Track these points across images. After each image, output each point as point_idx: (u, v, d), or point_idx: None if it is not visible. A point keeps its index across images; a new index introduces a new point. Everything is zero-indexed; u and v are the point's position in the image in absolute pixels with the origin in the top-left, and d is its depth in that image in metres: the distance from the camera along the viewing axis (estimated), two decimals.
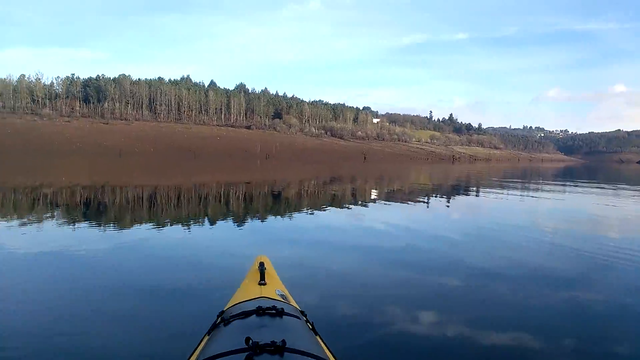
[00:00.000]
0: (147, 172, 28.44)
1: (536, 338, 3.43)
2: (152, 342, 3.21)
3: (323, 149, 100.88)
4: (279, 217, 10.01)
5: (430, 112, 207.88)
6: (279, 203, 12.88)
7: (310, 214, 10.33)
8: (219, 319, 1.81)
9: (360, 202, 13.29)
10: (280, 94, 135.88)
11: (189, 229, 8.12)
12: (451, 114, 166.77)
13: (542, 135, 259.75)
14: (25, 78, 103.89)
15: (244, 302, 1.93)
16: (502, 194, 17.56)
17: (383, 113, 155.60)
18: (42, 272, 4.92)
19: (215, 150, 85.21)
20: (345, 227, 8.82)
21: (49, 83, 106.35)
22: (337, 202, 13.21)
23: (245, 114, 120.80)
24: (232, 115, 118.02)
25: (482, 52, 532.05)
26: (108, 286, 4.42)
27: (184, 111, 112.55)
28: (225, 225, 8.71)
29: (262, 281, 2.23)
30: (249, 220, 9.38)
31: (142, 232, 7.55)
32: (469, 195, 17.94)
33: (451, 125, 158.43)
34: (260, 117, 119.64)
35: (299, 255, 5.98)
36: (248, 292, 2.12)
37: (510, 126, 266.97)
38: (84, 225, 8.11)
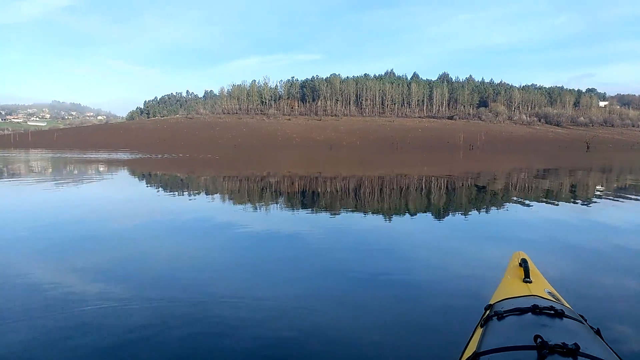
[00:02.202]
0: (353, 164, 30.28)
1: None
2: (412, 329, 3.35)
3: (535, 137, 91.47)
4: (482, 210, 9.54)
5: None
6: (483, 196, 12.26)
7: (528, 206, 9.55)
8: (490, 312, 1.88)
9: (593, 200, 11.69)
10: (487, 80, 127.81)
11: (389, 219, 8.38)
12: None
13: None
14: (256, 83, 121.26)
15: (514, 299, 1.97)
16: None
17: (613, 95, 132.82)
18: (266, 249, 5.75)
19: (417, 142, 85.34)
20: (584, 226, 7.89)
21: (274, 86, 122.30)
22: (557, 196, 11.88)
23: (448, 104, 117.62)
24: (435, 106, 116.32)
25: None
26: (330, 270, 4.83)
27: (387, 105, 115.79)
28: (427, 218, 8.72)
29: (527, 279, 2.24)
30: (450, 214, 9.18)
31: (350, 219, 8.12)
32: None
33: None
34: (464, 106, 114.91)
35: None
36: (514, 288, 2.16)
37: None
38: (300, 210, 9.18)
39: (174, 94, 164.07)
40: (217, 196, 11.53)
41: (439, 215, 8.91)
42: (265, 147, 72.93)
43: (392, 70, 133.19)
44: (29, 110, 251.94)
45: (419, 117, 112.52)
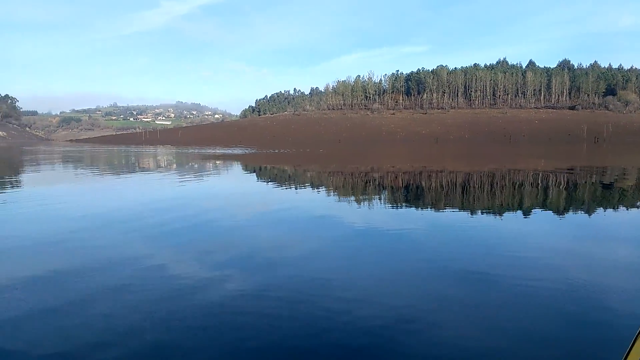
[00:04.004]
0: (461, 158, 29.05)
1: None
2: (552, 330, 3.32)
3: None
4: (610, 209, 8.58)
5: None
6: (611, 195, 11.01)
7: None
8: None
9: None
10: (615, 66, 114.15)
11: (500, 217, 7.90)
12: None
13: None
14: (360, 78, 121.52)
15: None
16: None
17: None
18: (367, 243, 5.75)
19: (533, 134, 79.31)
20: None
21: (377, 81, 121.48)
22: None
23: (569, 93, 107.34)
24: (553, 96, 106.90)
25: None
26: (435, 267, 4.75)
27: (499, 95, 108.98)
28: (546, 218, 8.07)
29: None
30: (572, 212, 8.40)
31: (456, 215, 7.81)
32: None
33: None
34: (588, 95, 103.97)
35: None
36: None
37: None
38: (404, 205, 9.04)
39: (283, 92, 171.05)
40: (321, 189, 11.80)
41: (559, 214, 8.20)
42: (369, 141, 72.95)
43: (504, 58, 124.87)
44: (156, 110, 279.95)
45: (535, 107, 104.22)
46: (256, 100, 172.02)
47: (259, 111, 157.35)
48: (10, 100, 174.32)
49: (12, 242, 5.60)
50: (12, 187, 12.32)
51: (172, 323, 3.18)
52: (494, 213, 8.15)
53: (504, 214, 8.04)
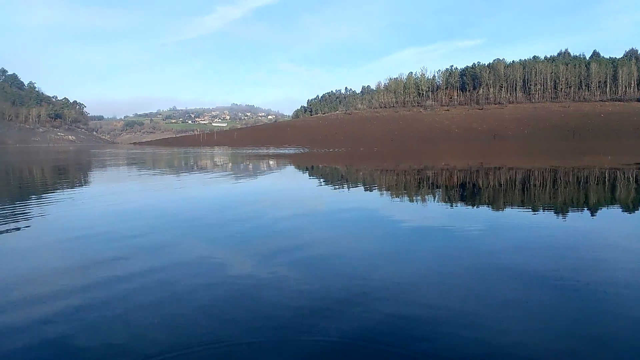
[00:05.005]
0: (520, 155, 27.87)
1: None
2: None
3: None
4: None
5: None
6: None
7: None
8: None
9: None
10: None
11: (564, 216, 7.45)
12: None
13: None
14: (412, 75, 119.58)
15: None
16: None
17: None
18: (419, 242, 5.60)
19: (598, 128, 74.98)
20: None
21: (431, 77, 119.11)
22: None
23: (638, 85, 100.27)
24: (620, 88, 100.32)
25: None
26: (494, 269, 4.57)
27: (561, 88, 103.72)
28: (615, 216, 7.54)
29: None
30: None
31: (514, 215, 7.47)
32: None
33: None
34: None
35: None
36: None
37: None
38: (459, 204, 8.76)
39: (334, 91, 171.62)
40: (374, 188, 11.68)
41: (633, 213, 7.64)
42: (422, 139, 71.61)
43: (566, 50, 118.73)
44: (212, 112, 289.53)
45: (601, 100, 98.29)
46: (308, 100, 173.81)
47: (310, 111, 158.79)
48: (78, 106, 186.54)
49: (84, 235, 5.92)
50: (83, 185, 13.10)
51: (239, 324, 3.22)
52: (558, 212, 7.71)
53: (571, 214, 7.58)
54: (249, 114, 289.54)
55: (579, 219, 7.12)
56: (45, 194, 11.27)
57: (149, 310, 3.41)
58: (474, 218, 7.18)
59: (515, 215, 7.42)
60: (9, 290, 3.93)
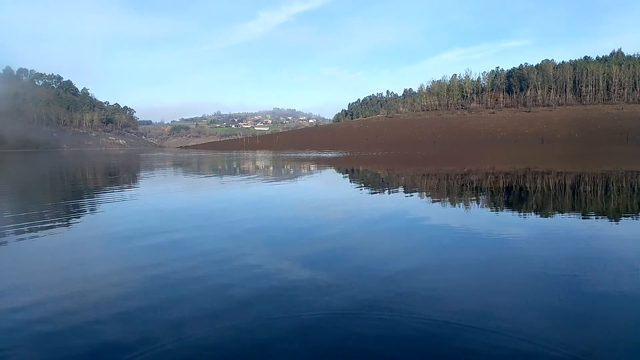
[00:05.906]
0: (569, 159, 26.79)
1: None
2: None
3: None
4: None
5: None
6: None
7: None
8: None
9: None
10: None
11: (617, 223, 7.14)
12: None
13: None
14: (456, 77, 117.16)
15: None
16: None
17: None
18: (460, 249, 5.52)
19: None
20: None
21: (476, 79, 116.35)
22: None
23: None
24: None
25: None
26: (542, 278, 4.47)
27: (614, 90, 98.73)
28: None
29: None
30: None
31: (564, 221, 7.23)
32: None
33: None
34: None
35: None
36: None
37: None
38: (503, 210, 8.55)
39: (375, 94, 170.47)
40: (414, 192, 11.57)
41: None
42: (466, 142, 70.07)
43: (619, 49, 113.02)
44: (255, 117, 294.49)
45: None
46: (349, 103, 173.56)
47: (351, 114, 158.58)
48: (128, 111, 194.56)
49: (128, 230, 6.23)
50: (131, 187, 13.71)
51: (273, 323, 3.32)
52: (612, 220, 7.39)
53: (620, 221, 7.26)
54: (290, 117, 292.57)
55: (632, 226, 6.81)
56: (118, 191, 11.88)
57: (220, 291, 3.57)
58: (517, 224, 7.01)
59: (564, 223, 7.18)
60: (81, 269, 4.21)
